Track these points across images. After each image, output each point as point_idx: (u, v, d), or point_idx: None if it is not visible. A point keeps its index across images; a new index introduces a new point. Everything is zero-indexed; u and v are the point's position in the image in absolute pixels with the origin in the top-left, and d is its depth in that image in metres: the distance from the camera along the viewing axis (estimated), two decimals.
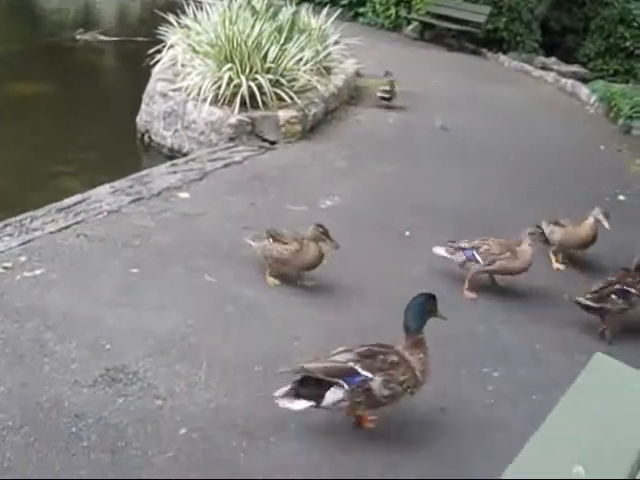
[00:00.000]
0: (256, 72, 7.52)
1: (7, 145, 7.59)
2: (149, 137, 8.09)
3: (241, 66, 7.50)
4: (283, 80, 7.70)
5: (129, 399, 3.34)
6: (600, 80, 13.53)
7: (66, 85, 10.37)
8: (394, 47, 14.55)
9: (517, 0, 15.94)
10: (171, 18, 8.82)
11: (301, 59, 8.13)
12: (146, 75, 8.44)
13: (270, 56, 7.74)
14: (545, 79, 14.04)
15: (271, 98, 7.50)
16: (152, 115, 8.00)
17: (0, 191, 6.38)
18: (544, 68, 15.04)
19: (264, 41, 7.83)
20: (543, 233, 5.18)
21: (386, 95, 9.37)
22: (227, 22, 8.03)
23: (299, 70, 8.05)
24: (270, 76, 7.56)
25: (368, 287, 4.73)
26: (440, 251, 5.00)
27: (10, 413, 3.15)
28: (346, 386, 3.12)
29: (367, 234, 5.51)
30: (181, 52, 8.24)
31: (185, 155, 7.24)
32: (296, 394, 3.13)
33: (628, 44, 16.42)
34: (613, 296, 4.45)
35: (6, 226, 4.94)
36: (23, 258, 4.47)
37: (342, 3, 16.58)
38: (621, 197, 7.31)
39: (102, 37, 13.64)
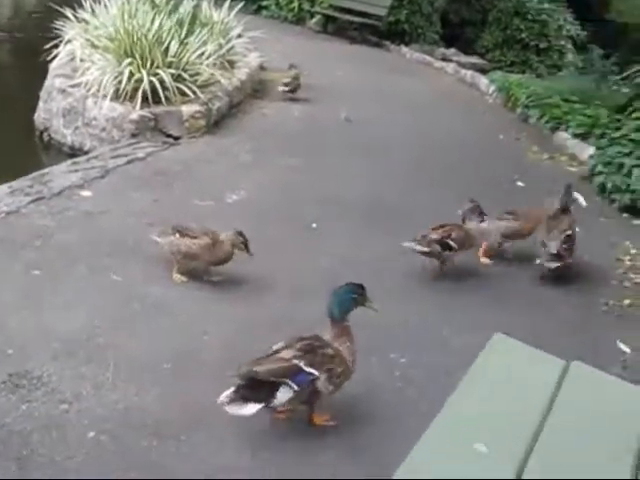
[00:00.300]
0: (157, 67, 7.40)
1: None
2: (48, 135, 7.85)
3: (142, 61, 7.36)
4: (185, 74, 7.61)
5: (33, 405, 3.25)
6: (498, 71, 13.95)
7: None
8: (298, 40, 14.58)
9: None
10: (68, 12, 8.57)
11: (203, 53, 8.05)
12: (43, 71, 8.18)
13: (171, 50, 7.63)
14: (446, 70, 14.38)
15: (174, 93, 7.40)
16: (51, 112, 7.76)
17: None
18: (444, 59, 15.41)
19: (165, 35, 7.72)
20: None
21: (288, 88, 9.39)
22: (126, 16, 7.86)
23: (202, 64, 7.97)
24: (172, 70, 7.45)
25: (277, 280, 4.75)
26: (412, 245, 5.06)
27: None
28: (296, 387, 3.12)
29: (274, 227, 5.52)
30: (79, 47, 8.01)
31: (86, 153, 7.06)
32: (243, 397, 3.08)
33: (524, 36, 16.99)
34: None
35: None
36: None
37: None
38: (519, 183, 7.58)
39: None
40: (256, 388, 3.10)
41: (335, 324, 3.28)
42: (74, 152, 7.32)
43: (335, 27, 16.54)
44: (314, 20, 16.79)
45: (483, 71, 14.23)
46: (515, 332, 3.78)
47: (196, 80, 7.77)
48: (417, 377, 3.90)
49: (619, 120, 8.65)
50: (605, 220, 6.91)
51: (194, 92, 7.52)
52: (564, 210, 5.41)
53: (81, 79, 7.44)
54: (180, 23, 8.21)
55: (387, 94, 11.09)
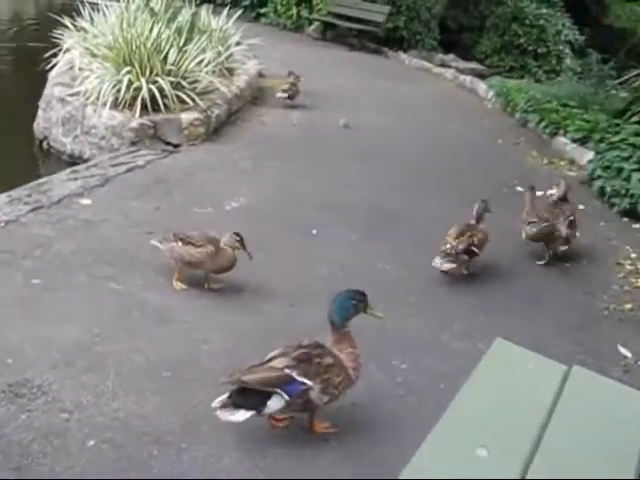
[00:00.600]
0: (156, 75, 7.42)
1: None
2: (48, 144, 7.86)
3: (141, 69, 7.38)
4: (184, 82, 7.63)
5: (33, 414, 3.24)
6: (497, 76, 13.99)
7: None
8: (296, 47, 14.63)
9: None
10: (67, 21, 8.60)
11: (202, 61, 8.08)
12: (42, 80, 8.20)
13: (170, 58, 7.65)
14: (445, 76, 14.42)
15: (173, 101, 7.42)
16: (50, 121, 7.77)
17: None
18: (443, 65, 15.47)
19: (163, 43, 7.74)
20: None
21: (286, 94, 9.40)
22: (125, 24, 7.88)
23: (200, 72, 7.99)
24: (171, 78, 7.47)
25: (277, 287, 4.75)
26: (440, 264, 5.00)
27: None
28: (286, 397, 3.10)
29: (274, 234, 5.52)
30: (78, 55, 8.04)
31: (86, 161, 7.07)
32: (235, 404, 3.08)
33: (522, 41, 17.06)
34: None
35: None
36: None
37: (243, 4, 16.58)
38: (519, 188, 7.57)
39: None
40: (248, 395, 3.10)
41: (335, 330, 3.27)
42: (74, 160, 7.33)
43: (334, 34, 16.60)
44: (313, 27, 16.86)
45: (482, 76, 14.26)
46: (516, 337, 3.79)
47: (195, 88, 7.79)
48: (418, 383, 3.89)
49: (618, 124, 8.65)
50: (605, 224, 6.91)
51: (193, 100, 7.54)
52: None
53: (80, 88, 7.46)
54: (179, 31, 8.23)
55: (386, 100, 11.11)
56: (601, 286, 5.56)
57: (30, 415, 3.23)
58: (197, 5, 9.71)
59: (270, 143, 7.97)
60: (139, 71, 7.36)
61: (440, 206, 6.52)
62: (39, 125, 8.04)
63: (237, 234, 4.48)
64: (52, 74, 8.13)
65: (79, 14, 8.77)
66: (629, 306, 5.24)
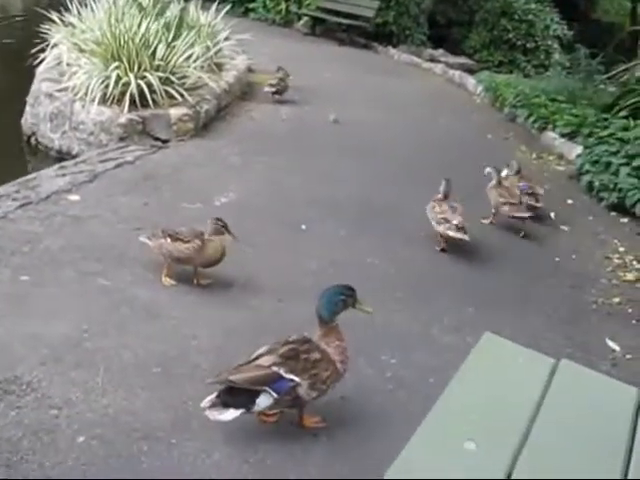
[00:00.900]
0: (145, 70, 7.39)
1: None
2: (36, 139, 7.82)
3: (129, 64, 7.35)
4: (173, 77, 7.60)
5: (23, 411, 3.23)
6: (486, 71, 14.02)
7: None
8: (286, 42, 14.60)
9: None
10: (54, 16, 8.55)
11: (191, 56, 8.05)
12: (30, 76, 8.15)
13: (159, 53, 7.62)
14: (434, 71, 14.43)
15: (161, 96, 7.39)
16: (38, 117, 7.73)
17: None
18: (432, 60, 15.47)
19: (152, 38, 7.70)
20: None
21: (274, 89, 9.39)
22: (113, 19, 7.85)
23: (189, 67, 7.96)
24: (160, 74, 7.44)
25: (266, 282, 4.75)
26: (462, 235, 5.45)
27: None
28: (275, 395, 3.11)
29: (263, 229, 5.52)
30: (66, 51, 7.99)
31: (74, 157, 7.03)
32: (223, 403, 3.09)
33: (511, 36, 17.10)
34: None
35: None
36: None
37: None
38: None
39: None
40: (237, 394, 3.11)
41: (323, 325, 3.28)
42: (62, 156, 7.29)
43: (323, 29, 16.58)
44: (302, 22, 16.83)
45: (471, 71, 14.29)
46: (504, 331, 3.83)
47: (184, 83, 7.77)
48: (408, 377, 3.90)
49: (606, 119, 8.70)
50: (593, 219, 6.95)
51: (182, 95, 7.52)
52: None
53: (68, 83, 7.42)
54: (167, 26, 8.20)
55: (375, 95, 11.11)
56: (589, 280, 5.59)
57: (19, 412, 3.22)
58: (185, 0, 9.68)
59: (259, 138, 7.96)
60: (127, 66, 7.33)
61: (429, 201, 6.52)
62: (27, 121, 8.00)
63: (218, 219, 4.47)
64: (40, 69, 8.09)
65: (67, 9, 8.73)
66: (617, 300, 5.27)
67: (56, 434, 3.12)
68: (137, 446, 3.12)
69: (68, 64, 7.78)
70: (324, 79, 11.53)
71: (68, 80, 7.47)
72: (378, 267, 5.25)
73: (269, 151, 7.52)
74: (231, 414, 3.08)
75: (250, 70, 10.70)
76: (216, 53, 9.26)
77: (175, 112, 7.39)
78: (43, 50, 8.21)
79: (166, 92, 7.44)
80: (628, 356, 4.53)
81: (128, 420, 3.26)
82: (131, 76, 7.22)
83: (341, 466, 3.17)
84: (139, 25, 7.78)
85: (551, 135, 9.38)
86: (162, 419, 3.29)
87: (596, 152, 7.65)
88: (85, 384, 3.46)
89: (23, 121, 8.07)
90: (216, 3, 10.52)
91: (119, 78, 7.22)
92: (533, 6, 17.35)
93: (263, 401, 3.12)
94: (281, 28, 16.64)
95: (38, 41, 8.36)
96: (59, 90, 7.50)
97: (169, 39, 7.92)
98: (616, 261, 5.97)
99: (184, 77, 7.85)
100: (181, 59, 7.88)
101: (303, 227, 5.73)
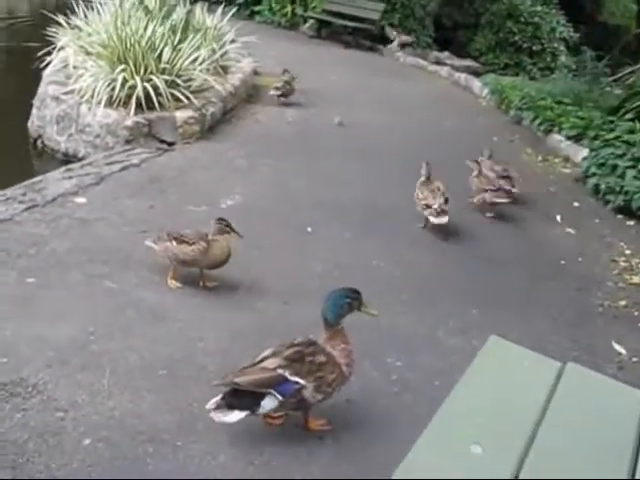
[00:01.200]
0: (151, 73, 7.41)
1: None
2: (42, 142, 7.84)
3: (135, 67, 7.37)
4: (179, 80, 7.62)
5: (29, 413, 3.23)
6: (491, 73, 14.01)
7: None
8: (291, 45, 14.62)
9: None
10: (61, 19, 8.58)
11: (197, 59, 8.06)
12: (36, 78, 8.18)
13: (165, 56, 7.64)
14: (440, 74, 14.42)
15: (167, 99, 7.41)
16: (44, 119, 7.76)
17: None
18: (438, 63, 15.48)
19: (158, 41, 7.72)
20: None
21: (279, 92, 9.40)
22: (119, 22, 7.87)
23: (195, 70, 7.98)
24: (165, 76, 7.46)
25: (271, 285, 4.75)
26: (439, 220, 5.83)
27: None
28: (280, 397, 3.11)
29: (269, 232, 5.52)
30: (72, 54, 8.02)
31: (80, 160, 7.05)
32: (228, 405, 3.09)
33: (517, 38, 17.09)
34: None
35: None
36: None
37: (238, 2, 16.53)
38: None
39: None
40: (241, 396, 3.11)
41: (329, 328, 3.27)
42: (68, 159, 7.31)
43: (329, 32, 16.59)
44: (308, 25, 16.84)
45: (477, 74, 14.28)
46: (510, 333, 3.82)
47: (190, 86, 7.78)
48: (413, 380, 3.89)
49: (612, 122, 8.68)
50: (599, 221, 6.93)
51: (188, 98, 7.53)
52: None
53: (74, 86, 7.44)
54: (173, 29, 8.22)
55: (381, 98, 11.12)
56: (596, 283, 5.58)
57: (25, 414, 3.22)
58: (191, 3, 9.70)
59: (265, 141, 7.96)
60: (133, 69, 7.35)
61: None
62: (33, 123, 8.02)
63: (222, 219, 4.47)
64: (46, 72, 8.11)
65: (73, 12, 8.75)
66: (623, 303, 5.26)
67: (62, 436, 3.13)
68: (143, 448, 3.12)
69: (74, 67, 7.80)
70: (330, 82, 11.54)
71: (74, 83, 7.49)
72: (383, 270, 5.25)
73: (275, 154, 7.52)
74: (236, 416, 3.09)
75: (256, 73, 10.72)
76: (222, 56, 9.27)
77: (181, 115, 7.40)
78: (50, 53, 8.23)
79: (172, 95, 7.46)
80: (634, 359, 4.51)
81: (134, 422, 3.27)
82: (137, 79, 7.24)
83: (347, 468, 3.17)
84: (145, 28, 7.80)
85: (557, 138, 9.36)
86: (168, 421, 3.30)
87: (602, 155, 7.64)
88: (91, 386, 3.46)
89: (29, 124, 8.09)
90: (222, 6, 10.55)
91: (125, 81, 7.24)
92: (539, 8, 17.33)
93: (268, 403, 3.12)
94: (287, 31, 16.66)
95: (45, 44, 8.38)
96: (65, 93, 7.52)
97: (175, 42, 7.94)
98: (622, 264, 5.96)
99: (190, 80, 7.87)
100: (187, 62, 7.89)
101: (309, 229, 5.73)
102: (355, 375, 3.41)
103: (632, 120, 8.50)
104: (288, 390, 3.12)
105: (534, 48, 17.05)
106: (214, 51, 8.88)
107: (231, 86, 8.91)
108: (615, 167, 7.34)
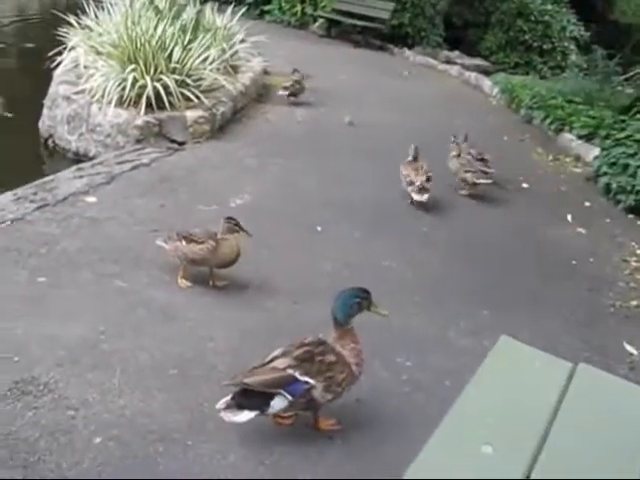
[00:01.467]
0: (161, 72, 7.42)
1: None
2: (53, 142, 7.86)
3: (145, 67, 7.38)
4: (189, 80, 7.63)
5: (40, 411, 3.25)
6: (502, 72, 13.98)
7: None
8: (301, 44, 14.61)
9: None
10: (71, 19, 8.61)
11: (207, 58, 8.07)
12: (47, 78, 8.21)
13: (175, 56, 7.65)
14: (450, 73, 14.39)
15: (178, 98, 7.42)
16: (55, 119, 7.78)
17: None
18: (448, 62, 15.44)
19: (168, 41, 7.73)
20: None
21: (288, 91, 9.40)
22: (129, 22, 7.88)
23: (205, 69, 7.99)
24: (176, 76, 7.47)
25: (281, 284, 4.75)
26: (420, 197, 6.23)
27: None
28: (290, 397, 3.11)
29: (278, 231, 5.53)
30: (83, 54, 8.04)
31: (91, 159, 7.07)
32: (238, 405, 3.10)
33: (527, 37, 17.01)
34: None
35: None
36: None
37: (247, 1, 16.54)
38: (524, 185, 7.57)
39: None
40: (251, 396, 3.11)
41: (338, 327, 3.27)
42: (79, 158, 7.33)
43: (338, 31, 16.58)
44: (317, 24, 16.83)
45: (487, 73, 14.24)
46: (521, 334, 3.81)
47: (200, 85, 7.79)
48: (424, 380, 3.89)
49: (623, 121, 8.63)
50: (610, 221, 6.90)
51: (198, 97, 7.54)
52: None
53: (85, 86, 7.46)
54: (183, 29, 8.23)
55: (391, 97, 11.10)
56: (607, 283, 5.55)
57: (36, 412, 3.24)
58: (201, 3, 9.72)
59: (275, 140, 7.97)
60: (144, 69, 7.36)
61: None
62: (44, 123, 8.05)
63: (230, 218, 4.47)
64: (57, 72, 8.13)
65: (84, 12, 8.78)
66: (635, 303, 5.23)
67: (73, 435, 3.14)
68: (153, 447, 3.13)
69: (85, 67, 7.82)
70: (339, 81, 11.53)
71: (85, 83, 7.50)
72: (395, 270, 5.24)
73: (284, 153, 7.53)
74: (245, 416, 3.10)
75: (266, 72, 10.72)
76: (232, 55, 9.28)
77: (191, 114, 7.41)
78: (60, 53, 8.26)
79: (182, 94, 7.47)
80: None
81: (144, 421, 3.27)
82: (147, 79, 7.26)
83: (356, 468, 3.17)
84: (155, 28, 7.81)
85: (568, 137, 9.33)
86: (178, 420, 3.30)
87: (613, 154, 7.60)
88: (102, 385, 3.48)
89: (40, 123, 8.12)
90: (232, 6, 10.56)
91: (136, 80, 7.25)
92: (549, 7, 17.25)
93: (278, 403, 3.12)
94: (296, 30, 16.66)
95: (56, 43, 8.41)
96: (76, 92, 7.54)
97: (185, 42, 7.95)
98: (634, 264, 5.93)
99: (200, 79, 7.88)
100: (197, 61, 7.90)
101: (318, 229, 5.73)
102: (365, 375, 3.41)
103: None
104: (298, 390, 3.12)
105: (544, 47, 16.97)
106: (224, 51, 8.89)
107: (241, 85, 8.92)
108: (626, 166, 7.31)
